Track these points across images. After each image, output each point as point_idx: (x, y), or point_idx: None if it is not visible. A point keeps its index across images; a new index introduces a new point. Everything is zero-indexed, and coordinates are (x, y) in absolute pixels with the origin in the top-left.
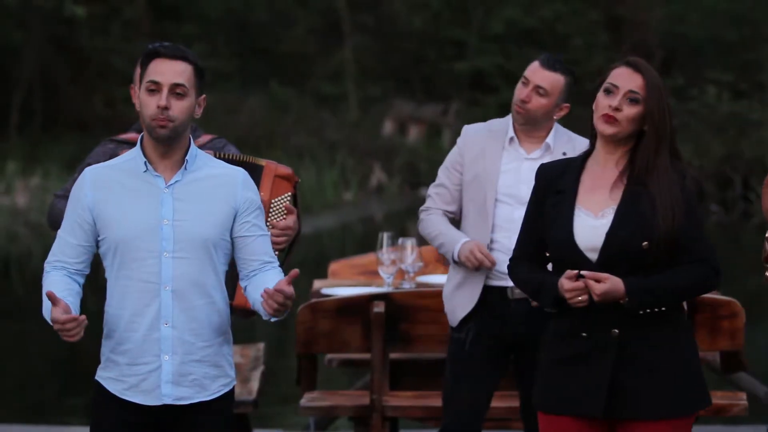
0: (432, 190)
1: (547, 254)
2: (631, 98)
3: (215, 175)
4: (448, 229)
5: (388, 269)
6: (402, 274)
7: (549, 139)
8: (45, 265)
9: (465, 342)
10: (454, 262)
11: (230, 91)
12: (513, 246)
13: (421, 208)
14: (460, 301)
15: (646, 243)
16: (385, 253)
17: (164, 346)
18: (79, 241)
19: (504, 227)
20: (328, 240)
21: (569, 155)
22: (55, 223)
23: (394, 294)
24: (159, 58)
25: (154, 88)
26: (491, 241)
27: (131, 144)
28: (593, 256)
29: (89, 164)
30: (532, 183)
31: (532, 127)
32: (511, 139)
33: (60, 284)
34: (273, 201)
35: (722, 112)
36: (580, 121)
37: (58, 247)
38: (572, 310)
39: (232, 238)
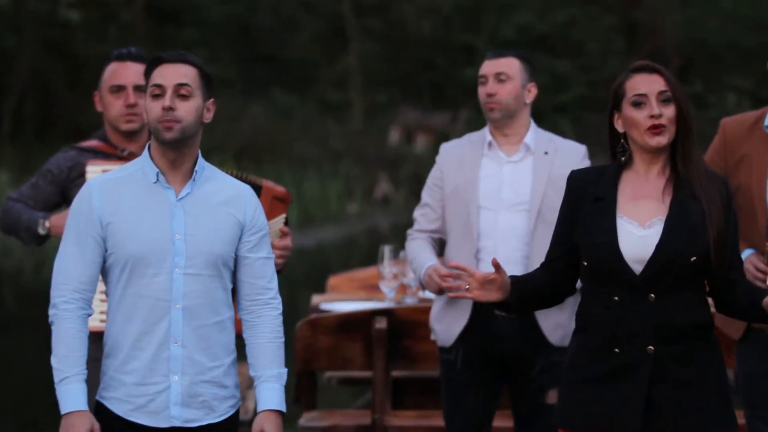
0: (417, 212)
1: (585, 263)
2: (664, 99)
3: (223, 189)
4: (420, 253)
5: (390, 283)
6: (404, 288)
7: (528, 140)
8: (56, 300)
9: (456, 363)
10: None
11: (231, 98)
12: (501, 252)
13: (408, 231)
14: (450, 320)
15: (694, 258)
16: (387, 267)
17: (174, 365)
18: (93, 257)
19: (489, 234)
20: (331, 253)
21: (551, 155)
22: (9, 226)
23: (397, 309)
24: (162, 63)
25: (158, 92)
26: (478, 250)
27: (94, 152)
28: (638, 268)
29: (49, 170)
30: (516, 187)
31: (510, 120)
32: (490, 143)
33: (78, 348)
34: (270, 222)
35: None
36: (596, 130)
37: (68, 269)
38: (602, 326)
39: (235, 256)
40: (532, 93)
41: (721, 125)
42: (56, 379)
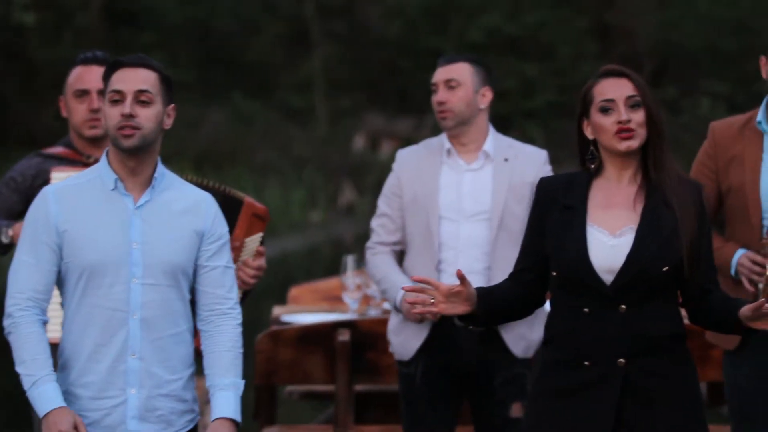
0: (375, 222)
1: (554, 273)
2: (633, 104)
3: (183, 197)
4: (391, 273)
5: (353, 294)
6: (368, 299)
7: (487, 146)
8: (11, 308)
9: (415, 376)
10: (396, 309)
11: (190, 103)
12: (462, 264)
13: (367, 244)
14: (409, 333)
15: (667, 268)
16: (350, 278)
17: (131, 379)
18: (49, 265)
19: (450, 245)
20: (293, 263)
21: (511, 161)
22: None
23: (360, 321)
24: (122, 68)
25: (118, 98)
26: (439, 262)
27: (59, 159)
28: (609, 278)
29: (12, 178)
30: (476, 195)
31: (464, 127)
32: (449, 151)
33: (42, 350)
34: (247, 240)
35: None
36: (567, 137)
37: (23, 278)
38: (572, 338)
39: (195, 265)
40: (486, 98)
41: (710, 128)
42: (26, 385)
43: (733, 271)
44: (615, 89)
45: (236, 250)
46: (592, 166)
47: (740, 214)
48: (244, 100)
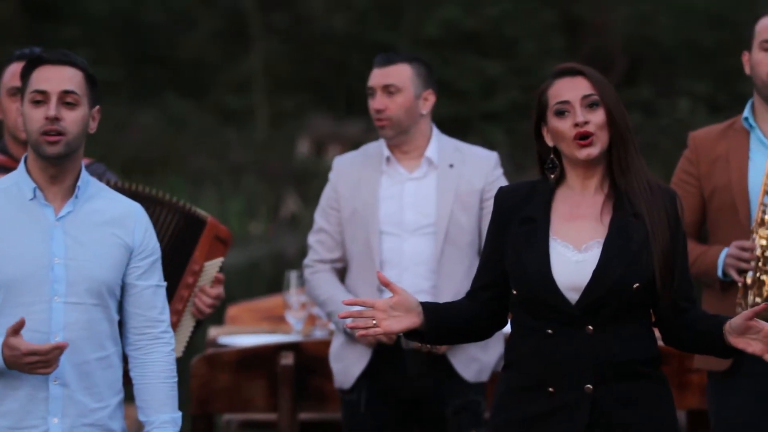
0: (312, 238)
1: (514, 291)
2: (590, 103)
3: (109, 208)
4: (335, 292)
5: (297, 314)
6: (313, 319)
7: (430, 152)
8: None
9: (359, 404)
10: (346, 333)
11: (118, 104)
12: (406, 283)
13: (305, 262)
14: (351, 359)
15: (637, 285)
16: (294, 295)
17: (53, 407)
18: None
19: (393, 262)
20: (232, 280)
21: (458, 167)
22: None
23: (305, 343)
24: (43, 65)
25: (41, 98)
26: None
27: None
28: (574, 296)
29: None
30: (419, 207)
31: (405, 135)
32: (388, 159)
33: None
34: (206, 264)
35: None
36: (532, 141)
37: None
38: (534, 362)
39: (123, 283)
40: (429, 101)
41: (690, 137)
42: None
43: (720, 271)
44: (569, 89)
45: (195, 275)
46: (552, 176)
47: (727, 212)
48: (177, 100)
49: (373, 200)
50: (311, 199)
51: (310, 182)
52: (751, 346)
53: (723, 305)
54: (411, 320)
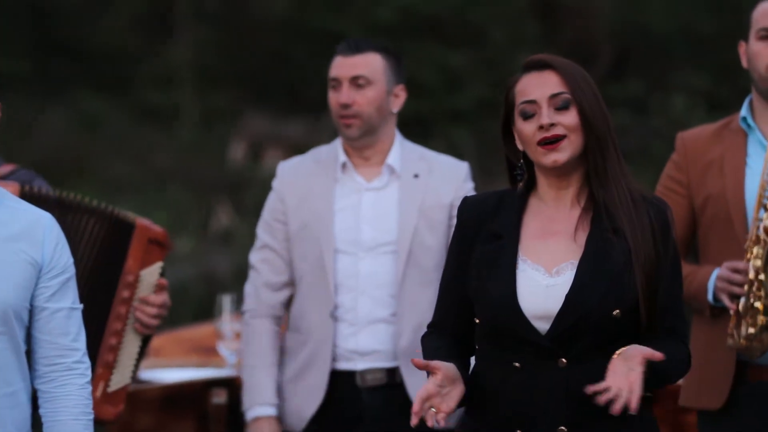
0: (255, 257)
1: (477, 321)
2: (560, 103)
3: (13, 219)
4: (259, 367)
5: (231, 344)
6: None
7: (392, 160)
8: None
9: None
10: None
11: (24, 101)
12: (362, 310)
13: (246, 288)
14: (301, 398)
15: (617, 311)
16: (227, 323)
17: None
18: None
19: (348, 286)
20: None
21: (423, 178)
22: None
23: (240, 379)
24: None
25: None
26: (335, 307)
27: None
28: (544, 326)
29: None
30: (379, 222)
31: (372, 137)
32: (344, 165)
33: None
34: (143, 273)
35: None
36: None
37: None
38: (501, 399)
39: (30, 306)
40: (400, 98)
41: (678, 138)
42: None
43: (710, 295)
44: (536, 86)
45: (130, 287)
46: (520, 184)
47: (721, 226)
48: (91, 97)
49: (326, 213)
50: (247, 211)
51: (246, 191)
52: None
53: (714, 335)
54: (460, 389)
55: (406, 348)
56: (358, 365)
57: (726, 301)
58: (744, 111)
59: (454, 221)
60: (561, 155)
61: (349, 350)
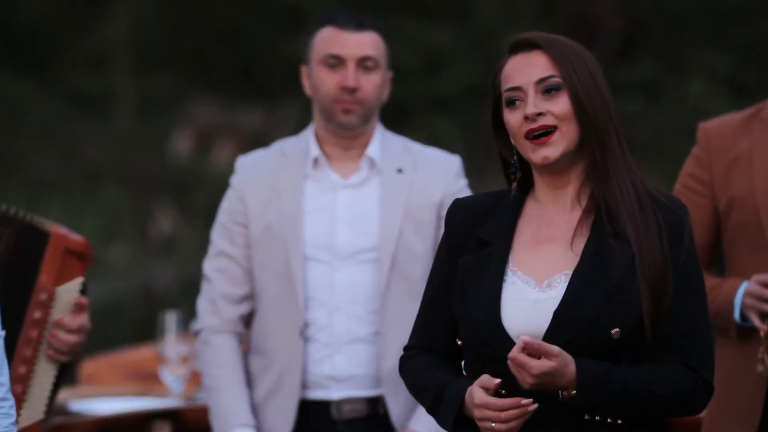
0: (209, 266)
1: (459, 342)
2: (548, 87)
3: None
4: (226, 388)
5: (177, 370)
6: (197, 378)
7: (372, 151)
8: None
9: None
10: None
11: None
12: (338, 329)
13: (199, 303)
14: (269, 424)
15: (617, 330)
16: (172, 345)
17: None
18: None
19: (321, 299)
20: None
21: (408, 173)
22: None
23: (187, 410)
24: None
25: None
26: (305, 325)
27: None
28: None
29: None
30: (357, 225)
31: (364, 127)
32: (316, 160)
33: None
34: (59, 289)
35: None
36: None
37: None
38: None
39: None
40: (388, 87)
41: (700, 129)
42: None
43: (737, 313)
44: (522, 70)
45: (43, 307)
46: (514, 184)
47: (749, 232)
48: (13, 81)
49: (294, 214)
50: (193, 214)
51: (192, 191)
52: None
53: (741, 358)
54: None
55: (391, 372)
56: (334, 394)
57: (755, 320)
58: None
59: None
60: (552, 150)
61: (322, 376)
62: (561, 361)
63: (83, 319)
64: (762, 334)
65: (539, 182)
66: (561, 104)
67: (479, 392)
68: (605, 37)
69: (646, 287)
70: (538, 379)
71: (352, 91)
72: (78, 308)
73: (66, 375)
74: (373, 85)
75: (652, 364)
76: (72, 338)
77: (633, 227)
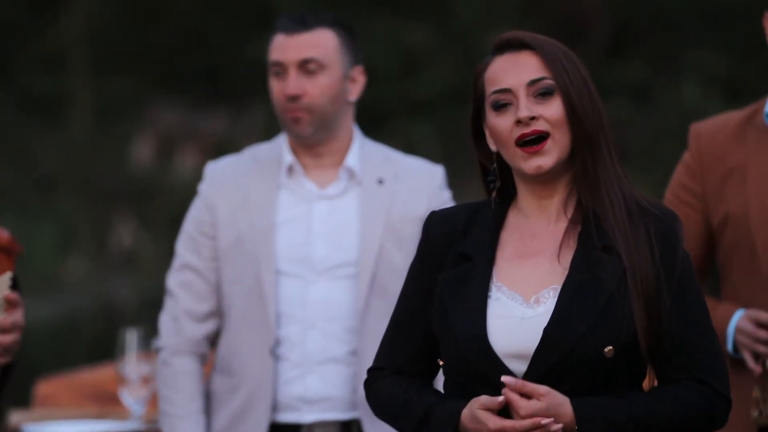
0: (173, 280)
1: (440, 362)
2: (540, 90)
3: None
4: (188, 409)
5: (137, 391)
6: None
7: (350, 160)
8: None
9: None
10: None
11: None
12: (312, 347)
13: (162, 319)
14: None
15: (610, 348)
16: (133, 365)
17: None
18: None
19: (294, 316)
20: (40, 342)
21: (390, 184)
22: None
23: None
24: None
25: None
26: (276, 343)
27: None
28: (519, 368)
29: None
30: (335, 238)
31: (326, 133)
32: (291, 168)
33: None
34: None
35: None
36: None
37: None
38: None
39: None
40: (358, 84)
41: (692, 132)
42: None
43: (730, 344)
44: (511, 72)
45: None
46: (494, 193)
47: (743, 254)
48: None
49: (266, 225)
50: (155, 226)
51: (154, 200)
52: None
53: (735, 393)
54: None
55: None
56: (305, 416)
57: (749, 361)
58: None
59: None
60: (546, 160)
61: (293, 397)
62: (550, 400)
63: (16, 317)
64: (756, 375)
65: (523, 191)
66: (554, 109)
67: (491, 416)
68: (593, 37)
69: (640, 302)
70: (527, 426)
71: (295, 98)
72: (9, 305)
73: (8, 379)
74: (320, 88)
75: (659, 387)
76: (6, 338)
77: (624, 239)
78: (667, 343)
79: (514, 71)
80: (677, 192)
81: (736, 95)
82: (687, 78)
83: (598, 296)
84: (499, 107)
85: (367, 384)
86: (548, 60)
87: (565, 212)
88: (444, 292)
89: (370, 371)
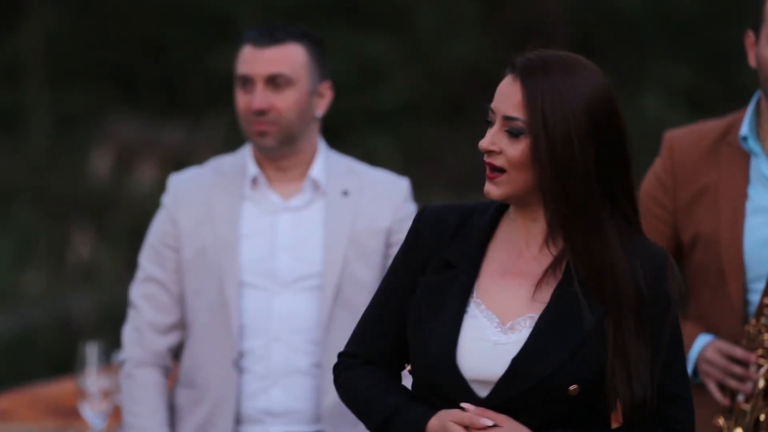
0: (136, 292)
1: (408, 368)
2: (510, 128)
3: None
4: (152, 422)
5: (98, 406)
6: (121, 413)
7: (315, 172)
8: None
9: None
10: None
11: None
12: (276, 360)
13: (125, 332)
14: None
15: (575, 387)
16: (93, 379)
17: None
18: None
19: (258, 328)
20: None
21: (354, 195)
22: None
23: None
24: None
25: None
26: (239, 355)
27: None
28: (483, 392)
29: None
30: (299, 250)
31: (290, 147)
32: (255, 180)
33: None
34: None
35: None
36: (436, 154)
37: None
38: None
39: None
40: (325, 99)
41: (665, 141)
42: None
43: (690, 368)
44: (499, 97)
45: None
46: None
47: (712, 277)
48: None
49: (230, 237)
50: (113, 238)
51: (112, 213)
52: None
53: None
54: None
55: (332, 407)
56: (270, 429)
57: (716, 393)
58: (745, 129)
59: (392, 250)
60: (496, 191)
61: (257, 410)
62: (510, 427)
63: None
64: (722, 405)
65: (512, 207)
66: (519, 150)
67: (455, 427)
68: (553, 47)
69: (611, 344)
70: None
71: (262, 112)
72: None
73: None
74: (287, 103)
75: (627, 428)
76: None
77: (609, 279)
78: (640, 394)
79: (501, 98)
80: (648, 204)
81: (698, 108)
82: (650, 90)
83: (572, 335)
84: (487, 122)
85: (337, 369)
86: (530, 97)
87: (553, 239)
88: (422, 299)
89: (341, 355)
